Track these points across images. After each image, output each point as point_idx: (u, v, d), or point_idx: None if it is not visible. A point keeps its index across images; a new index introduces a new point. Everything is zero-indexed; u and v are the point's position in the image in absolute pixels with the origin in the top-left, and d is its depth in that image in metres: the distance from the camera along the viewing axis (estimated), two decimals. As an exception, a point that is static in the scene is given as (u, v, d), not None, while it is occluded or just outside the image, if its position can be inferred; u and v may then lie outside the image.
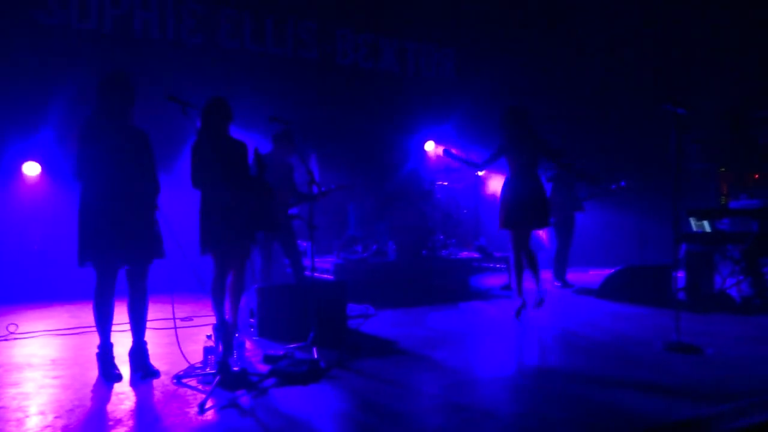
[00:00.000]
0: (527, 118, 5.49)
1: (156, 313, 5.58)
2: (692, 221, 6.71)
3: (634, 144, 10.54)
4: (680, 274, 5.88)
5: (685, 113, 4.46)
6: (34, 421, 2.91)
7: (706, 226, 6.54)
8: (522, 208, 5.38)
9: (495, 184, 9.67)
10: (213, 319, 4.28)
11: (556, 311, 6.09)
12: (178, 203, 5.74)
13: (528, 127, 5.46)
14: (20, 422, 2.90)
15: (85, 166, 3.56)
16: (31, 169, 6.98)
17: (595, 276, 7.76)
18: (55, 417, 2.98)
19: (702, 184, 11.10)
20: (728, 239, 6.10)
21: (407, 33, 9.62)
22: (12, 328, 4.94)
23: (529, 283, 5.57)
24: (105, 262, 3.62)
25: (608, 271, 7.06)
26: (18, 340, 4.73)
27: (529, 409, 3.09)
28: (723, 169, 10.09)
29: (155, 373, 3.68)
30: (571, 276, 7.72)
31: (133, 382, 3.56)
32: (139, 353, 3.73)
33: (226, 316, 4.09)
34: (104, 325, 3.67)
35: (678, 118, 4.48)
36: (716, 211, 6.84)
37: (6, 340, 4.74)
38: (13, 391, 3.41)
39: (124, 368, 3.69)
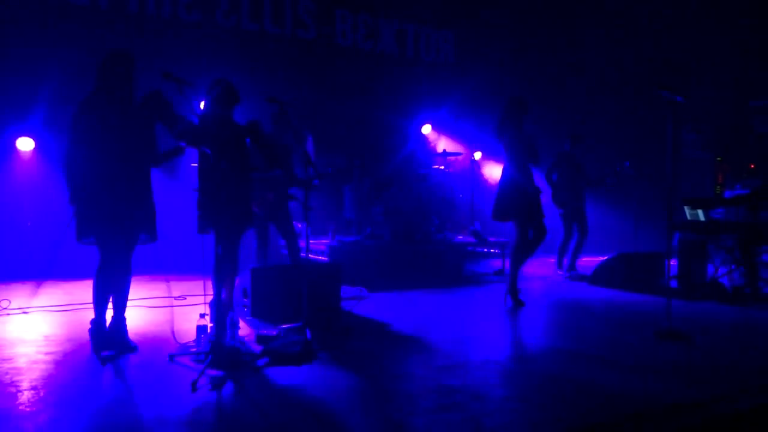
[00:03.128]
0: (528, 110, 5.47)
1: (151, 291, 5.60)
2: (687, 210, 6.73)
3: (632, 131, 10.53)
4: (673, 263, 5.91)
5: (682, 101, 4.45)
6: (26, 396, 2.93)
7: (701, 215, 6.56)
8: (528, 201, 5.35)
9: (490, 169, 9.67)
10: (207, 299, 4.28)
11: (548, 297, 6.13)
12: (173, 185, 5.73)
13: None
14: (13, 396, 2.91)
15: (82, 147, 3.54)
16: (25, 144, 6.93)
17: (589, 263, 7.79)
18: (47, 392, 2.99)
19: (699, 174, 11.13)
20: (722, 228, 6.13)
21: (407, 14, 9.53)
22: (5, 304, 4.94)
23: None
24: (108, 238, 3.61)
25: (602, 259, 7.09)
26: (10, 316, 4.73)
27: (517, 392, 3.12)
28: (719, 159, 10.12)
29: (134, 349, 3.71)
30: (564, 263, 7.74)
31: (126, 359, 3.57)
32: (117, 329, 3.74)
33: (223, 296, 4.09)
34: (102, 302, 3.68)
35: (675, 105, 4.46)
36: (711, 200, 6.86)
37: (-1, 315, 4.75)
38: (5, 366, 3.42)
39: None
